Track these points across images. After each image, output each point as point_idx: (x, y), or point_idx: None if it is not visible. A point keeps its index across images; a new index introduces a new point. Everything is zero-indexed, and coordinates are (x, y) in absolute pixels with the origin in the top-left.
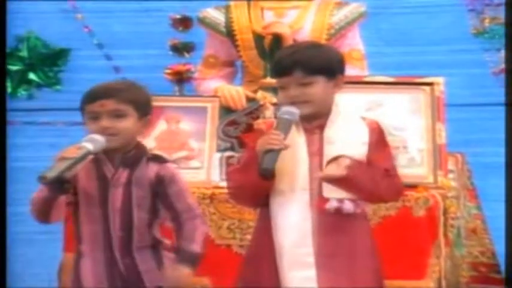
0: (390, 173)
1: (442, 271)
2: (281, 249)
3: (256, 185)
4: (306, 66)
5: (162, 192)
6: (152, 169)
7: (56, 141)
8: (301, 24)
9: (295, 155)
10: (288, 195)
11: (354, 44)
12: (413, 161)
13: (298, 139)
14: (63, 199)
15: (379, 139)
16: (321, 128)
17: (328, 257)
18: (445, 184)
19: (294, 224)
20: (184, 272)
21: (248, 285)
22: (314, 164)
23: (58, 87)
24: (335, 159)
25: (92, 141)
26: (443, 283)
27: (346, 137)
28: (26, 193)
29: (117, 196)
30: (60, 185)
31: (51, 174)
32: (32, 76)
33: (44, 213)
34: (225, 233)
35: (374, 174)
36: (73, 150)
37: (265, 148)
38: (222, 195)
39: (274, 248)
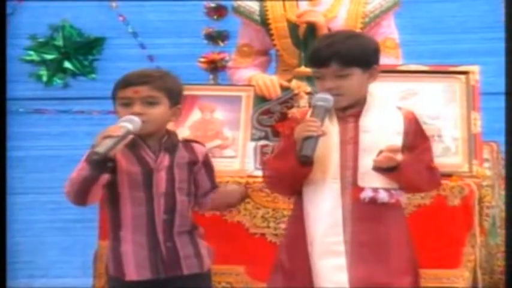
0: (431, 164)
1: (477, 260)
2: (312, 237)
3: (294, 172)
4: (343, 58)
5: (196, 171)
6: (188, 151)
7: (92, 130)
8: (336, 13)
9: (328, 143)
10: (320, 184)
11: (388, 32)
12: (448, 150)
13: (331, 128)
14: (103, 179)
15: (417, 130)
16: (356, 116)
17: (360, 246)
18: (480, 173)
19: (324, 212)
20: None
21: (282, 274)
22: (348, 152)
23: (93, 75)
24: (386, 148)
25: (130, 121)
26: (478, 272)
27: (382, 126)
28: (60, 181)
29: (161, 179)
30: (105, 163)
31: (102, 149)
32: (67, 65)
33: (82, 193)
34: (260, 221)
35: (419, 166)
36: (116, 129)
37: (304, 135)
38: (256, 184)
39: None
